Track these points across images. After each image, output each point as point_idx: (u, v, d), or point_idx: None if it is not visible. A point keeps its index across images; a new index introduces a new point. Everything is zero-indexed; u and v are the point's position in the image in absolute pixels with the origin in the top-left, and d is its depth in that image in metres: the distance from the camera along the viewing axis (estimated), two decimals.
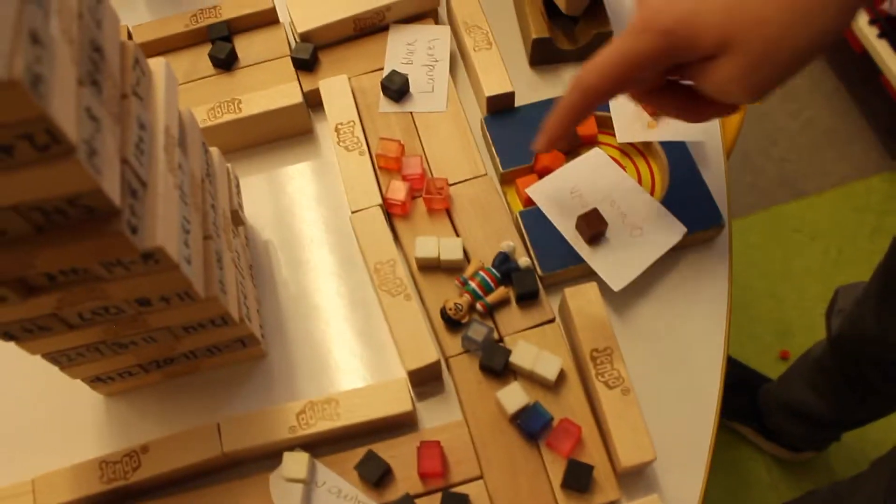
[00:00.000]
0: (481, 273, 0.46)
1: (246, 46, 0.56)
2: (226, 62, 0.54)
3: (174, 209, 0.35)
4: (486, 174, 0.51)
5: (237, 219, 0.46)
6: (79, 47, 0.29)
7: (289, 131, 0.54)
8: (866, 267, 0.95)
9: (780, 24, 0.33)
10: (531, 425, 0.42)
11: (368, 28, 0.56)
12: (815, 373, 1.11)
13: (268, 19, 0.57)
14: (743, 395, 1.29)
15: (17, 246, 0.31)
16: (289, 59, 0.55)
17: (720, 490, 1.30)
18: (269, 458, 0.43)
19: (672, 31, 0.35)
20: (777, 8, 0.33)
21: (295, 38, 0.56)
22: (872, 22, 1.40)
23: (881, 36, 1.40)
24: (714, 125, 0.54)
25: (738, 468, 1.32)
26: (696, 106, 0.41)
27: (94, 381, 0.45)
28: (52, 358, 0.40)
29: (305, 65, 0.54)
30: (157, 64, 0.37)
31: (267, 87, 0.53)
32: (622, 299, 0.47)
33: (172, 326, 0.40)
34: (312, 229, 0.52)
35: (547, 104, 0.53)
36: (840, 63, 1.62)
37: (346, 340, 0.48)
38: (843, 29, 0.35)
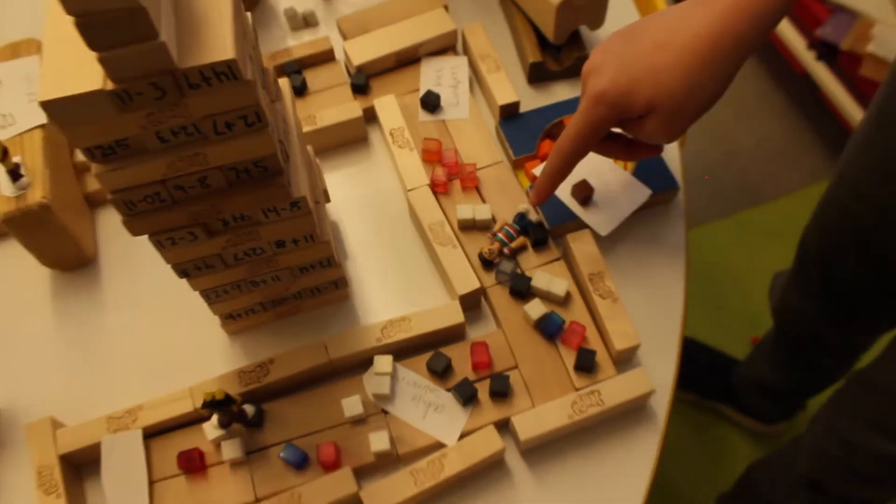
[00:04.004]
0: (506, 227, 0.63)
1: (313, 78, 0.73)
2: (300, 90, 0.72)
3: (304, 175, 0.52)
4: (502, 161, 0.69)
5: (326, 195, 0.63)
6: (258, 65, 0.46)
7: (350, 139, 0.72)
8: None
9: (683, 93, 0.51)
10: (549, 328, 0.59)
11: (406, 60, 0.74)
12: (770, 350, 1.28)
13: (327, 57, 0.75)
14: (718, 377, 1.45)
15: (213, 196, 0.48)
16: (346, 86, 0.73)
17: (705, 463, 1.45)
18: (361, 366, 0.59)
19: (616, 104, 0.53)
20: (681, 82, 0.51)
21: (349, 70, 0.74)
22: (810, 47, 1.60)
23: (819, 59, 1.59)
24: None
25: (720, 443, 1.47)
26: (631, 149, 0.59)
27: (227, 318, 0.61)
28: (205, 294, 0.57)
29: (361, 89, 0.72)
30: (282, 83, 0.55)
31: (333, 107, 0.70)
32: (607, 242, 0.64)
33: (293, 267, 0.57)
34: (369, 209, 0.69)
35: (542, 110, 0.71)
36: (786, 83, 1.83)
37: (403, 285, 0.65)
38: (731, 81, 0.52)
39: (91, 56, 0.38)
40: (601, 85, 0.52)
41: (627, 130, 0.55)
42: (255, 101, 0.42)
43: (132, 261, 0.68)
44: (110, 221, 0.70)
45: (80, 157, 0.70)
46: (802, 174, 1.74)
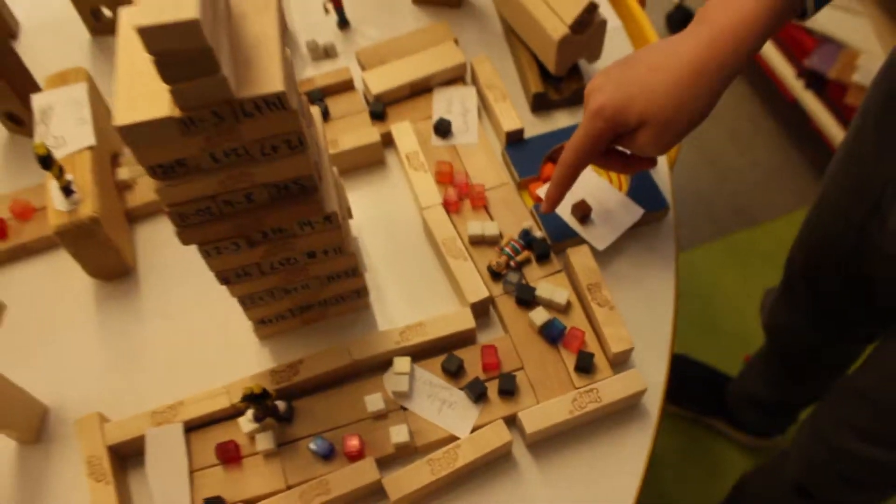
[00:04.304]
0: (512, 242, 0.70)
1: (334, 105, 0.80)
2: (322, 116, 0.78)
3: (335, 192, 0.58)
4: (508, 182, 0.75)
5: (349, 212, 0.70)
6: (297, 94, 0.53)
7: (369, 162, 0.78)
8: None
9: (672, 108, 0.57)
10: (552, 333, 0.65)
11: (419, 89, 0.81)
12: (762, 365, 1.34)
13: (347, 86, 0.81)
14: (713, 394, 1.50)
15: (257, 210, 0.54)
16: (365, 113, 0.79)
17: (700, 478, 1.49)
18: (381, 367, 0.65)
19: (612, 118, 0.59)
20: (670, 99, 0.57)
21: (368, 98, 0.81)
22: (799, 76, 1.67)
23: (807, 87, 1.67)
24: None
25: (715, 457, 1.52)
26: (628, 163, 0.65)
27: (259, 324, 0.67)
28: (242, 300, 0.63)
29: (378, 116, 0.79)
30: (312, 109, 0.61)
31: (353, 132, 0.77)
32: (604, 256, 0.71)
33: (321, 276, 0.63)
34: (386, 225, 0.75)
35: (544, 136, 0.78)
36: (776, 111, 1.90)
37: (417, 295, 0.71)
38: (716, 100, 0.59)
39: (159, 86, 0.44)
40: (600, 101, 0.59)
41: (623, 144, 0.61)
42: (298, 128, 0.49)
43: (167, 272, 0.75)
44: (147, 235, 0.77)
45: (120, 176, 0.76)
46: (792, 198, 1.81)
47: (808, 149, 1.86)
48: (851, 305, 0.99)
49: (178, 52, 0.42)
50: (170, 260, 0.75)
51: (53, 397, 0.68)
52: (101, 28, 0.92)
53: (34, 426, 0.66)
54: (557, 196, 0.65)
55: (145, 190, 0.77)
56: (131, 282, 0.74)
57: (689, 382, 1.49)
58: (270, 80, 0.46)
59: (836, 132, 1.61)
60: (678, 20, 2.05)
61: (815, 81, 1.63)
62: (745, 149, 1.89)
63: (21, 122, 0.83)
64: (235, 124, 0.47)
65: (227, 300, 0.68)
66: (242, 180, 0.51)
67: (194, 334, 0.70)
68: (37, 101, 0.74)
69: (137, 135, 0.46)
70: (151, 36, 0.41)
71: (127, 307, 0.73)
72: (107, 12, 0.91)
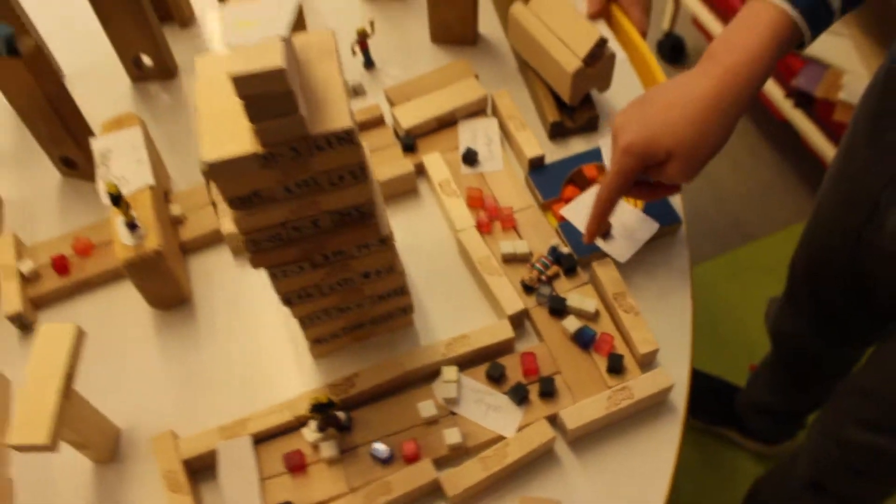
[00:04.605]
0: (542, 259, 0.76)
1: (366, 140, 0.87)
2: None
3: (387, 217, 0.64)
4: (533, 205, 0.81)
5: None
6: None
7: (403, 191, 0.85)
8: None
9: (696, 141, 0.64)
10: (583, 339, 0.71)
11: (445, 122, 0.87)
12: (768, 373, 1.40)
13: (378, 122, 0.88)
14: (722, 404, 1.56)
15: (321, 235, 0.60)
16: (396, 146, 0.86)
17: (714, 487, 1.54)
18: (429, 378, 0.71)
19: (642, 153, 0.65)
20: (693, 132, 0.63)
21: (398, 133, 0.87)
22: (788, 96, 1.75)
23: (796, 106, 1.75)
24: None
25: (728, 466, 1.57)
26: (655, 191, 0.72)
27: (315, 343, 0.73)
28: (301, 320, 0.68)
29: (409, 148, 0.85)
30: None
31: (387, 164, 0.83)
32: (626, 268, 0.77)
33: (373, 295, 0.69)
34: (422, 248, 0.81)
35: (563, 161, 0.84)
36: (768, 130, 1.98)
37: (455, 311, 0.76)
38: (733, 129, 0.66)
39: (240, 126, 0.51)
40: (628, 139, 0.65)
41: (652, 175, 0.67)
42: (362, 159, 0.55)
43: (220, 300, 0.80)
44: (199, 267, 0.82)
45: (173, 212, 0.82)
46: (788, 212, 1.88)
47: (799, 165, 1.94)
48: (851, 310, 1.05)
49: (264, 96, 0.48)
50: (221, 289, 0.81)
51: (123, 420, 0.73)
52: (142, 75, 0.99)
53: (109, 447, 0.71)
54: (597, 228, 0.71)
55: (195, 225, 0.83)
56: (187, 310, 0.80)
57: (699, 394, 1.54)
58: (339, 118, 0.52)
59: (825, 148, 1.69)
60: (668, 47, 2.14)
61: (804, 100, 1.71)
62: (739, 168, 1.97)
63: (74, 166, 0.89)
64: (308, 158, 0.53)
65: (276, 324, 0.75)
66: (311, 208, 0.57)
67: (249, 356, 0.76)
68: (96, 144, 0.80)
69: (223, 170, 0.52)
70: (243, 82, 0.47)
71: (185, 333, 0.78)
72: (147, 61, 0.98)
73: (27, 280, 0.80)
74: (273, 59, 0.47)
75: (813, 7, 0.63)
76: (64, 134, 0.84)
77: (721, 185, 1.94)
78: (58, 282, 0.81)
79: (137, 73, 0.99)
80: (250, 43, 0.48)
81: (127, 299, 0.80)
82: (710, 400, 1.56)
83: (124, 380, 0.76)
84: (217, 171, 0.52)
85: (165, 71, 0.99)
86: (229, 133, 0.52)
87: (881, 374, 0.93)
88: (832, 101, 1.61)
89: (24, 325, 0.79)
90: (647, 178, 0.69)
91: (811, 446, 1.10)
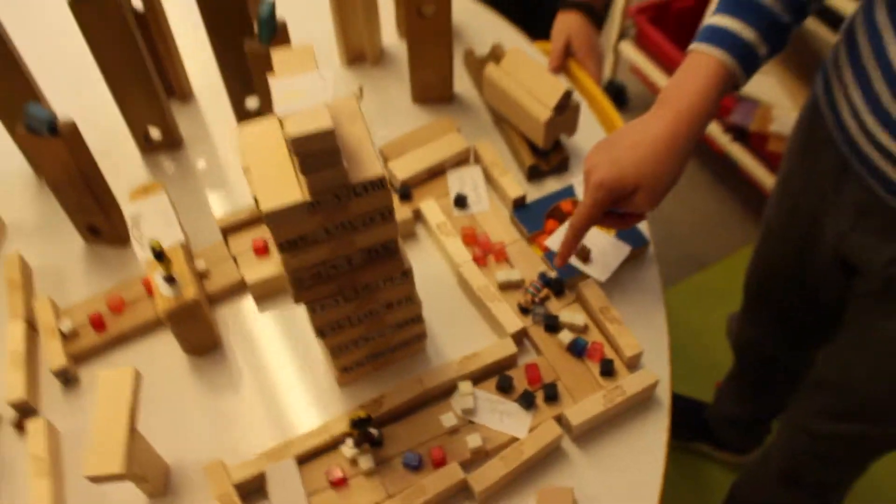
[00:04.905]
0: (533, 283, 0.87)
1: None
2: None
3: (405, 252, 0.74)
4: (519, 239, 0.93)
5: None
6: None
7: (402, 235, 0.95)
8: None
9: (657, 175, 0.75)
10: (577, 349, 0.81)
11: (436, 172, 0.99)
12: (733, 385, 1.52)
13: None
14: (693, 420, 1.67)
15: (354, 270, 0.70)
16: (394, 196, 0.97)
17: (692, 499, 1.64)
18: (445, 394, 0.80)
19: (612, 188, 0.77)
20: (655, 168, 0.75)
21: (394, 184, 0.98)
22: (725, 131, 1.92)
23: (733, 140, 1.92)
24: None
25: (703, 478, 1.68)
26: (623, 220, 0.83)
27: (342, 371, 0.82)
28: (332, 349, 0.78)
29: (406, 197, 0.96)
30: None
31: None
32: (606, 286, 0.88)
33: (394, 324, 0.78)
34: (426, 284, 0.91)
35: (541, 200, 0.96)
36: (710, 163, 2.15)
37: (459, 335, 0.86)
38: (688, 162, 0.78)
39: (286, 179, 0.61)
40: (600, 176, 0.77)
41: (621, 206, 0.79)
42: (390, 202, 0.65)
43: (245, 343, 0.89)
44: (225, 316, 0.91)
45: (199, 266, 0.91)
46: (735, 238, 2.04)
47: (740, 194, 2.11)
48: (802, 315, 1.18)
49: (316, 152, 0.58)
50: (246, 333, 0.89)
51: (171, 456, 0.80)
52: (151, 147, 1.09)
53: (163, 481, 0.78)
54: (569, 253, 0.82)
55: (218, 278, 0.92)
56: (218, 355, 0.88)
57: (673, 414, 1.65)
58: (372, 168, 0.63)
59: (763, 176, 1.85)
60: (612, 93, 2.32)
61: (740, 135, 1.88)
62: (685, 200, 2.12)
63: (98, 233, 0.98)
64: (347, 203, 0.63)
65: (299, 362, 0.84)
66: (347, 247, 0.67)
67: (278, 391, 0.84)
68: (128, 210, 0.89)
69: (278, 217, 0.62)
70: (300, 142, 0.57)
71: (218, 375, 0.86)
72: (155, 133, 1.07)
73: (67, 338, 0.88)
74: (324, 121, 0.57)
75: (745, 55, 0.76)
76: (93, 203, 0.93)
77: (671, 218, 2.09)
78: (95, 338, 0.88)
79: (147, 145, 1.09)
80: (300, 110, 0.59)
81: (160, 349, 0.88)
82: (682, 418, 1.67)
83: (165, 421, 0.83)
84: (273, 219, 0.62)
85: (172, 142, 1.09)
86: (280, 186, 0.62)
87: (837, 368, 1.05)
88: (765, 134, 1.78)
89: (67, 379, 0.86)
90: (615, 209, 0.81)
91: (780, 441, 1.21)
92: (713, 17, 0.78)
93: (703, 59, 0.78)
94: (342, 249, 0.67)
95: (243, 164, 0.66)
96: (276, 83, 0.61)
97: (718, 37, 0.77)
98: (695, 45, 0.78)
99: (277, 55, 0.64)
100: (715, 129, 1.94)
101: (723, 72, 0.77)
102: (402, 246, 0.73)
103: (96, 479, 0.68)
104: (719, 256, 2.01)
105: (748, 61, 0.78)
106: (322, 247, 0.66)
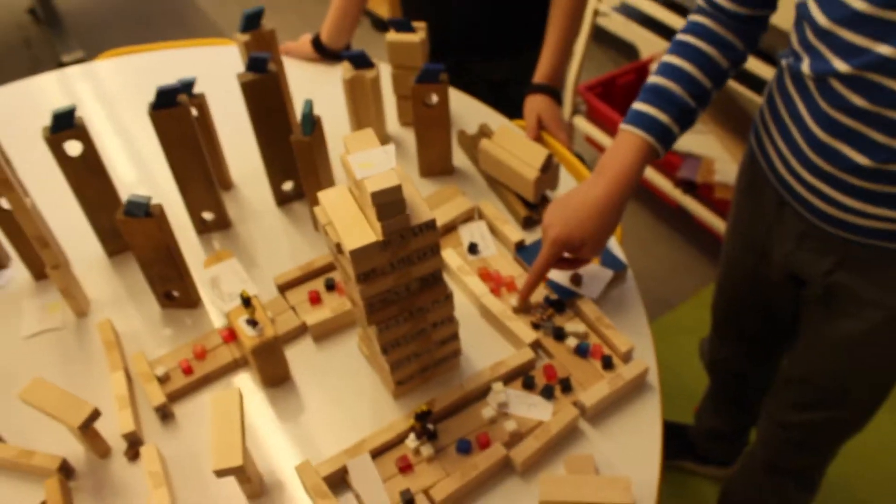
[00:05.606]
0: (540, 305, 1.09)
1: None
2: None
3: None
4: (524, 273, 1.15)
5: None
6: None
7: None
8: None
9: (598, 230, 1.01)
10: (582, 350, 1.03)
11: (450, 228, 1.22)
12: (710, 402, 1.73)
13: None
14: (676, 440, 1.87)
15: (410, 296, 0.91)
16: None
17: None
18: (481, 395, 1.01)
19: (565, 243, 1.02)
20: (595, 225, 1.00)
21: None
22: (676, 186, 2.19)
23: (684, 193, 2.19)
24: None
25: (690, 494, 1.87)
26: (574, 264, 1.07)
27: (398, 385, 1.02)
28: (392, 364, 0.98)
29: None
30: None
31: None
32: (597, 302, 1.11)
33: (438, 340, 0.99)
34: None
35: (537, 242, 1.19)
36: (665, 216, 2.42)
37: (483, 350, 1.07)
38: (621, 218, 1.04)
39: (360, 226, 0.83)
40: (554, 234, 1.02)
41: (573, 253, 1.04)
42: (438, 240, 0.88)
43: (310, 375, 1.08)
44: (290, 354, 1.11)
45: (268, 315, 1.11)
46: (696, 280, 2.28)
47: (697, 239, 2.37)
48: (763, 331, 1.41)
49: (389, 203, 0.81)
50: (310, 367, 1.09)
51: (262, 468, 0.99)
52: (205, 228, 1.30)
53: (259, 484, 0.96)
54: (529, 292, 1.06)
55: (281, 324, 1.12)
56: (289, 386, 1.07)
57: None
58: (425, 214, 0.85)
59: (713, 221, 2.12)
60: None
61: (688, 187, 2.15)
62: (649, 251, 2.38)
63: (173, 298, 1.17)
64: (408, 241, 0.85)
65: (358, 384, 1.03)
66: (405, 277, 0.89)
67: (343, 409, 1.04)
68: (207, 274, 1.10)
69: (359, 254, 0.83)
70: (378, 195, 0.80)
71: (292, 401, 1.05)
72: (207, 216, 1.29)
73: (161, 382, 1.07)
74: (394, 180, 0.80)
75: (662, 134, 1.02)
76: (172, 273, 1.13)
77: (639, 268, 2.32)
78: (184, 380, 1.07)
79: (201, 227, 1.30)
80: (374, 174, 0.81)
81: (239, 385, 1.07)
82: (668, 439, 1.86)
83: (251, 439, 1.02)
84: (356, 255, 0.83)
85: (223, 223, 1.31)
86: (358, 231, 0.84)
87: (799, 366, 1.26)
88: (711, 184, 2.06)
89: (165, 414, 1.05)
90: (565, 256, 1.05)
91: (761, 435, 1.42)
92: (637, 104, 1.05)
93: (630, 137, 1.03)
94: (403, 279, 0.89)
95: (324, 220, 0.88)
96: (352, 158, 0.84)
97: (641, 120, 1.03)
98: (623, 126, 1.04)
99: (349, 139, 0.87)
100: (666, 185, 2.22)
101: (646, 147, 1.02)
102: (444, 276, 0.95)
103: (221, 473, 0.86)
104: (684, 296, 2.25)
105: (665, 138, 1.03)
106: (388, 277, 0.88)
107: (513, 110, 1.50)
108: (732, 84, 1.98)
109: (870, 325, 1.08)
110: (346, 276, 0.90)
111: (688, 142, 2.14)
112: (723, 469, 1.85)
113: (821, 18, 0.88)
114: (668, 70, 1.04)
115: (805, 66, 0.94)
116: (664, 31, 2.18)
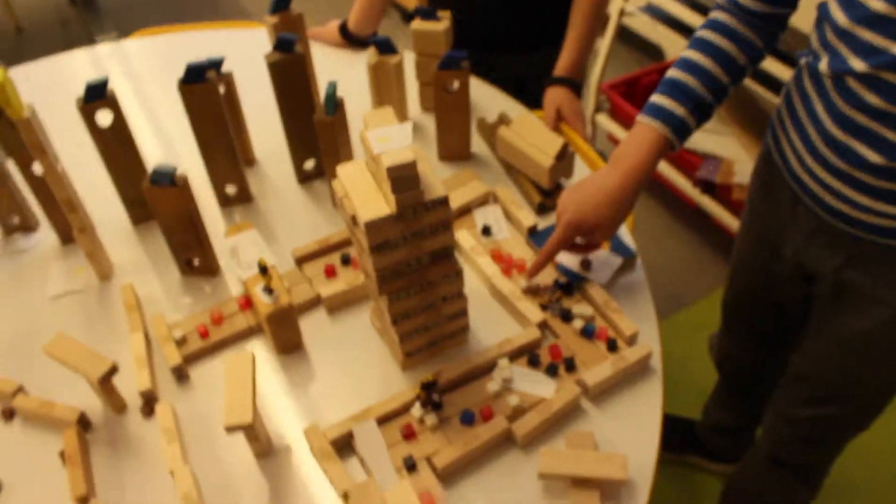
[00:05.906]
0: (549, 288, 1.11)
1: None
2: None
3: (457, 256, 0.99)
4: (535, 256, 1.18)
5: None
6: None
7: None
8: None
9: (611, 216, 1.03)
10: (588, 332, 1.05)
11: (465, 211, 1.24)
12: (719, 397, 1.75)
13: None
14: (684, 435, 1.89)
15: (422, 269, 0.94)
16: None
17: None
18: (486, 371, 1.03)
19: (577, 227, 1.05)
20: (609, 211, 1.03)
21: None
22: (695, 185, 2.21)
23: (703, 193, 2.20)
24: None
25: (697, 489, 1.88)
26: (586, 248, 1.10)
27: (406, 356, 1.05)
28: (401, 336, 1.01)
29: None
30: None
31: None
32: (606, 288, 1.13)
33: (446, 315, 1.02)
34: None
35: (549, 227, 1.21)
36: (683, 215, 2.43)
37: (491, 328, 1.10)
38: (634, 207, 1.06)
39: (376, 199, 0.86)
40: (568, 217, 1.04)
41: (585, 237, 1.06)
42: (450, 216, 0.90)
43: (323, 344, 1.12)
44: (304, 324, 1.14)
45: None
46: (710, 279, 2.30)
47: (713, 240, 2.38)
48: (772, 326, 1.42)
49: (404, 177, 0.84)
50: (323, 338, 1.12)
51: (272, 431, 1.02)
52: (227, 201, 1.34)
53: (267, 443, 1.00)
54: (538, 270, 1.09)
55: (297, 295, 1.15)
56: (302, 354, 1.11)
57: (664, 431, 1.87)
58: (438, 190, 0.88)
59: (730, 222, 2.13)
60: None
61: (707, 188, 2.16)
62: (664, 249, 2.39)
63: (192, 265, 1.21)
64: (421, 215, 0.88)
65: (368, 355, 1.06)
66: (417, 250, 0.92)
67: (354, 377, 1.07)
68: (227, 243, 1.13)
69: (373, 226, 0.86)
70: (393, 170, 0.83)
71: (304, 368, 1.09)
72: (230, 190, 1.32)
73: (179, 344, 1.10)
74: (409, 156, 0.83)
75: (678, 126, 1.04)
76: (194, 241, 1.17)
77: (653, 264, 2.34)
78: (201, 343, 1.11)
79: (223, 200, 1.34)
80: (391, 149, 0.84)
81: (253, 351, 1.11)
82: (676, 433, 1.88)
83: (262, 402, 1.05)
84: (370, 227, 0.86)
85: (245, 197, 1.34)
86: (373, 204, 0.87)
87: (808, 362, 1.27)
88: (729, 185, 2.07)
89: (181, 375, 1.08)
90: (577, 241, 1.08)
91: (767, 430, 1.43)
92: (654, 97, 1.07)
93: (646, 129, 1.05)
94: (415, 252, 0.92)
95: (340, 193, 0.91)
96: (370, 133, 0.87)
97: (658, 112, 1.05)
98: (640, 117, 1.06)
99: (369, 115, 0.90)
100: (685, 185, 2.23)
101: (662, 139, 1.04)
102: (455, 252, 0.97)
103: (231, 429, 0.90)
104: (697, 295, 2.26)
105: (681, 131, 1.05)
106: (401, 249, 0.91)
107: (532, 105, 1.52)
108: (754, 86, 1.99)
109: (878, 322, 1.09)
110: (361, 247, 0.93)
111: (708, 143, 2.15)
112: (729, 466, 1.86)
113: (841, 18, 0.90)
114: (686, 65, 1.06)
115: (823, 65, 0.96)
116: (690, 34, 2.19)
